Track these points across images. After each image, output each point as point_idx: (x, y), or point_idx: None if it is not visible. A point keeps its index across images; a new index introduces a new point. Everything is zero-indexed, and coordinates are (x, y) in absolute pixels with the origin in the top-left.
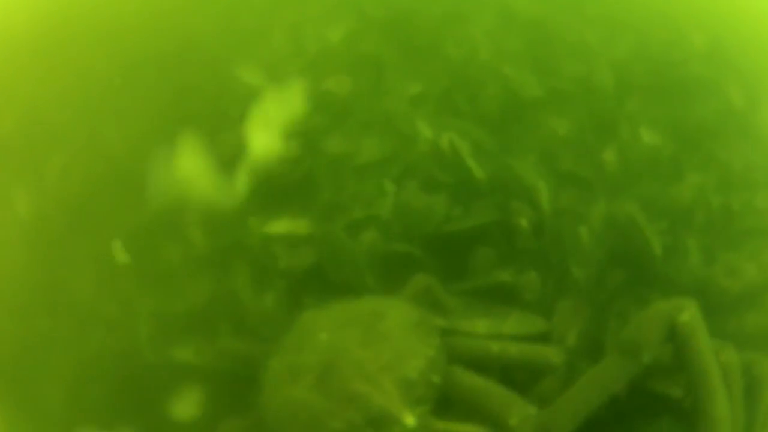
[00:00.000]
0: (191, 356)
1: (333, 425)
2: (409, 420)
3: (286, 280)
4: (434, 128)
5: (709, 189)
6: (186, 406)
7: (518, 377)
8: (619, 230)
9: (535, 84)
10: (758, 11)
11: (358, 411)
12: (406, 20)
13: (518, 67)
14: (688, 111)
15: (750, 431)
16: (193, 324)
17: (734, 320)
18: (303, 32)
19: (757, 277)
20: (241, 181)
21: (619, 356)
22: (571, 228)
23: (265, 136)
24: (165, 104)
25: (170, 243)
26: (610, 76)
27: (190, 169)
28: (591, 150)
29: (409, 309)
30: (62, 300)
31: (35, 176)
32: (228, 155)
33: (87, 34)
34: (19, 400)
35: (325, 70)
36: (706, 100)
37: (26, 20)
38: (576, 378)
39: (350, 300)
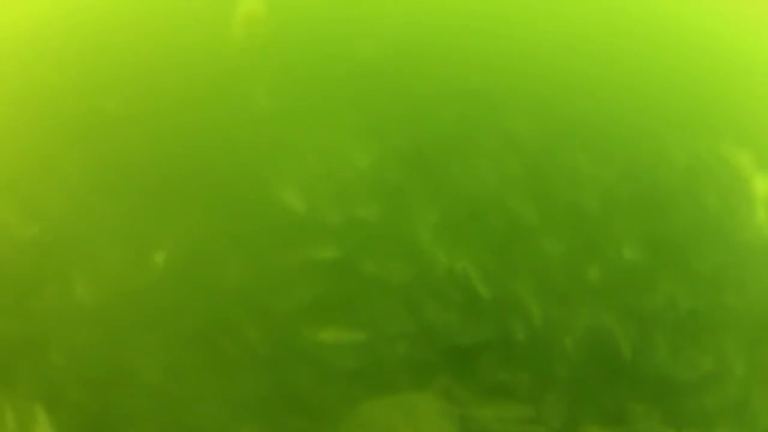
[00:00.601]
0: None
1: None
2: None
3: (337, 378)
4: (449, 255)
5: (678, 295)
6: None
7: None
8: (598, 336)
9: (533, 211)
10: (736, 121)
11: None
12: (424, 150)
13: (519, 195)
14: (667, 226)
15: None
16: (257, 409)
17: (692, 403)
18: (333, 158)
19: (714, 366)
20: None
21: None
22: (558, 337)
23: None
24: (210, 215)
25: (231, 342)
26: (598, 200)
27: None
28: (578, 268)
29: (437, 402)
30: (134, 380)
31: (93, 268)
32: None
33: (133, 136)
34: None
35: (355, 196)
36: (684, 212)
37: (72, 115)
38: None
39: (395, 396)
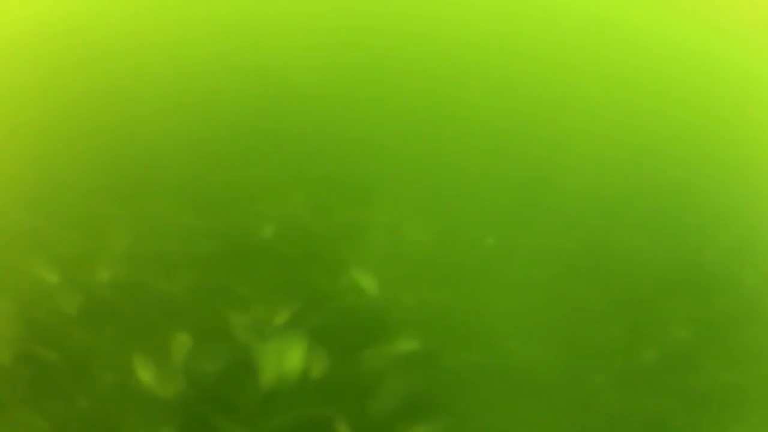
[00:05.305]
0: None
1: None
2: None
3: None
4: (524, 343)
5: (720, 371)
6: None
7: None
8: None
9: (595, 297)
10: None
11: None
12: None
13: (580, 281)
14: (709, 305)
15: None
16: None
17: None
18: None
19: None
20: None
21: None
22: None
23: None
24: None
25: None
26: (651, 282)
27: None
28: (636, 350)
29: None
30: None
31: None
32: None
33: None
34: None
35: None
36: (725, 293)
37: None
38: None
39: None
